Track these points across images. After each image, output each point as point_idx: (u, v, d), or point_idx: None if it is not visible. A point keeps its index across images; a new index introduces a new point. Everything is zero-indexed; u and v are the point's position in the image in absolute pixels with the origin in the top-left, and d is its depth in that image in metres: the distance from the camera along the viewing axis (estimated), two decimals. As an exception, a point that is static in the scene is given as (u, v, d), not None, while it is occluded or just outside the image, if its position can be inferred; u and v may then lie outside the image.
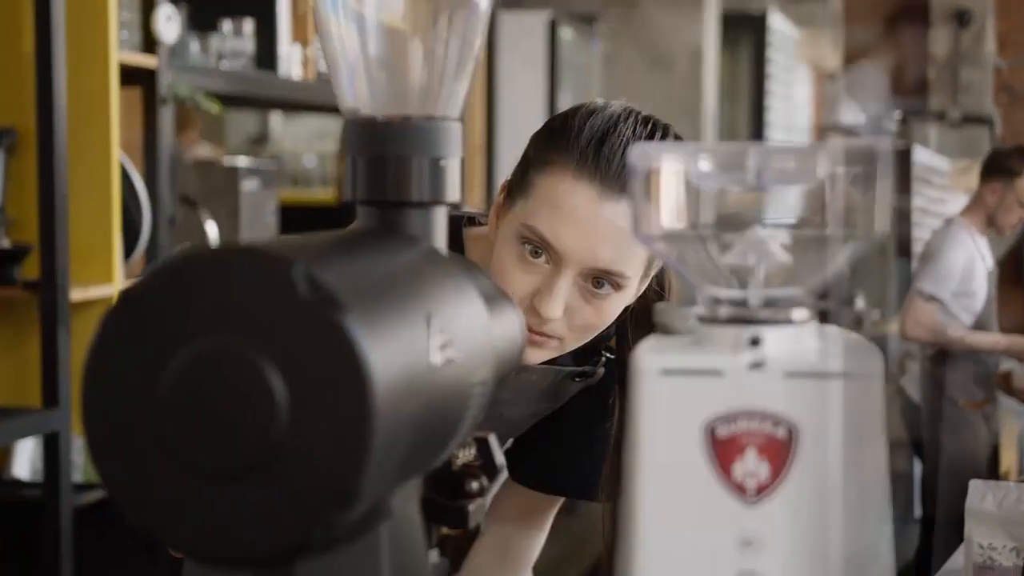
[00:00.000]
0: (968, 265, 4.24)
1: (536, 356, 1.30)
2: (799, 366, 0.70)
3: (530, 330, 1.26)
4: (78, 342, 2.41)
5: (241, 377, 0.62)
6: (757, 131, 7.49)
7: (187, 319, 0.63)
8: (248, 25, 3.01)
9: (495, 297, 0.87)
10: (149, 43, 2.65)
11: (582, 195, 1.23)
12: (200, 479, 0.63)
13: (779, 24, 7.62)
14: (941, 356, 4.31)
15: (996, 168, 4.28)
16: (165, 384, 0.63)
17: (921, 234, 7.42)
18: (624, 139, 1.25)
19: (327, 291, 0.62)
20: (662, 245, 0.74)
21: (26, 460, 2.62)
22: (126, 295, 0.64)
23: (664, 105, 5.52)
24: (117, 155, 2.50)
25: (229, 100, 3.16)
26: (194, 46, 2.93)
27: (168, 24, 2.62)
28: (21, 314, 2.49)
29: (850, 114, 5.17)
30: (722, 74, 6.63)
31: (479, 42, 0.86)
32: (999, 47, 9.95)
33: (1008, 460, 4.59)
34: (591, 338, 1.31)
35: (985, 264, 4.29)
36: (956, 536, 4.45)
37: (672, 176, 0.73)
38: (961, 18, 9.52)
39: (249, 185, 2.89)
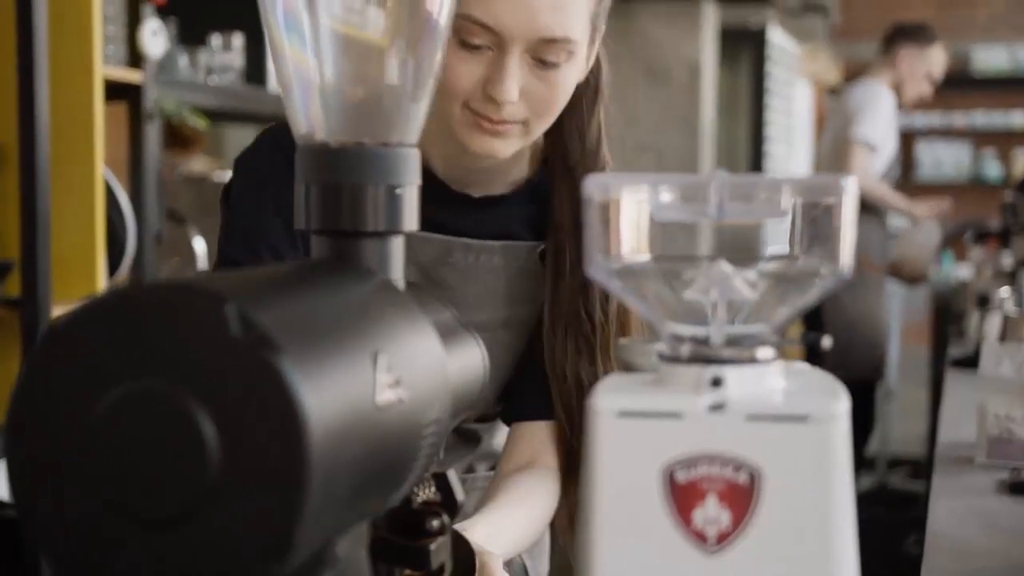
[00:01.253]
0: (890, 120, 4.40)
1: (504, 147, 1.26)
2: (761, 408, 0.67)
3: (490, 120, 1.23)
4: (59, 361, 2.37)
5: (171, 420, 0.59)
6: (756, 145, 7.46)
7: (116, 357, 0.60)
8: (237, 39, 2.99)
9: (454, 329, 0.84)
10: (136, 58, 2.63)
11: None
12: (127, 526, 0.60)
13: (779, 39, 7.60)
14: None
15: (909, 37, 4.46)
16: (92, 426, 0.60)
17: (771, 117, 7.47)
18: None
19: (261, 330, 0.59)
20: (620, 280, 0.71)
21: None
22: (54, 330, 0.61)
23: (662, 119, 5.50)
24: (101, 170, 2.47)
25: (217, 115, 3.13)
26: (182, 60, 2.90)
27: (154, 39, 2.60)
28: (2, 332, 2.46)
29: None
30: (721, 88, 6.61)
31: (437, 62, 0.83)
32: None
33: None
34: (555, 117, 1.27)
35: (894, 127, 4.48)
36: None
37: (631, 208, 0.70)
38: None
39: (239, 200, 2.85)
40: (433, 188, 1.32)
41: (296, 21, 0.80)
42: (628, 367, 0.75)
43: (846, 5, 10.12)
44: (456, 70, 1.20)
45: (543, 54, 1.21)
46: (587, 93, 1.34)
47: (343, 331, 0.66)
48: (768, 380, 0.69)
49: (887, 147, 4.48)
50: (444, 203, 1.36)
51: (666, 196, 0.70)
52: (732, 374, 0.68)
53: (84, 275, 2.47)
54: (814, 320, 4.39)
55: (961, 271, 8.52)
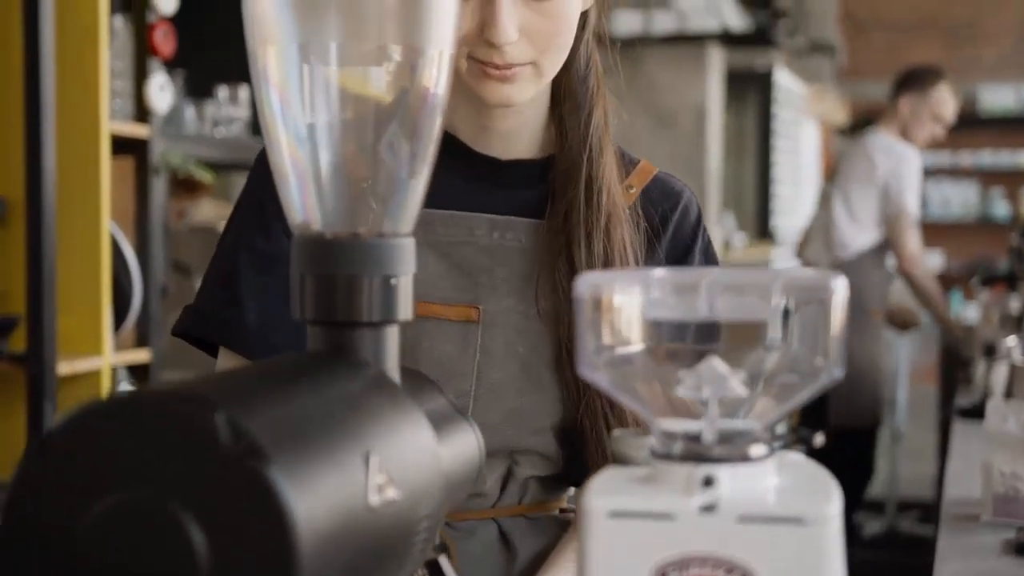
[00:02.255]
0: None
1: (518, 92, 1.18)
2: (754, 509, 0.66)
3: (496, 66, 1.16)
4: (64, 417, 2.38)
5: (161, 530, 0.59)
6: (763, 186, 7.48)
7: (107, 466, 0.60)
8: (244, 92, 3.01)
9: (448, 416, 0.84)
10: (142, 112, 2.64)
11: None
12: (118, 636, 0.60)
13: (785, 80, 7.63)
14: (856, 265, 4.41)
15: (910, 82, 4.52)
16: (82, 535, 0.60)
17: (778, 158, 7.47)
18: None
19: (250, 439, 0.59)
20: (610, 376, 0.71)
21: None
22: (46, 439, 0.61)
23: (669, 163, 5.51)
24: (107, 226, 2.48)
25: (224, 167, 3.15)
26: (189, 112, 2.92)
27: (161, 94, 2.61)
28: (8, 388, 2.46)
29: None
30: (728, 130, 6.63)
31: (431, 152, 0.84)
32: None
33: None
34: (566, 53, 1.19)
35: None
36: (845, 446, 4.41)
37: (621, 305, 0.70)
38: None
39: (245, 251, 2.86)
40: (458, 152, 1.27)
41: (292, 113, 0.80)
42: (621, 459, 0.75)
43: (853, 45, 10.16)
44: None
45: None
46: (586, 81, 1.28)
47: (334, 432, 0.67)
48: (761, 478, 0.69)
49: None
50: (470, 168, 1.27)
51: (657, 293, 0.70)
52: (724, 473, 0.68)
53: (89, 330, 2.47)
54: None
55: (969, 312, 8.51)
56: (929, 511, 5.28)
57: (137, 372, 2.71)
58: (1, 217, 2.43)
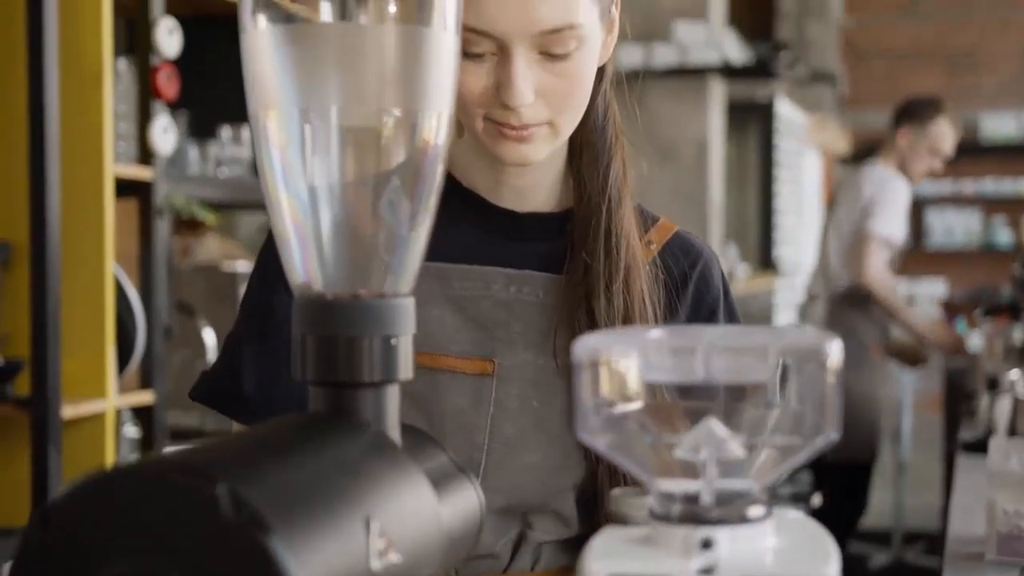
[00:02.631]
0: (905, 210, 4.45)
1: (535, 151, 1.17)
2: (752, 571, 0.67)
3: (512, 127, 1.14)
4: (69, 461, 2.39)
5: (163, 601, 0.59)
6: (766, 217, 7.49)
7: (109, 537, 0.61)
8: (246, 131, 3.02)
9: (449, 474, 0.84)
10: (146, 154, 2.66)
11: None
12: None
13: (786, 110, 7.65)
14: (853, 298, 4.39)
15: (908, 114, 4.48)
16: (86, 606, 0.61)
17: (781, 188, 7.47)
18: None
19: (251, 510, 0.60)
20: (608, 438, 0.71)
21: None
22: (49, 510, 0.62)
23: (671, 196, 5.53)
24: (111, 268, 2.49)
25: (227, 206, 3.16)
26: (192, 153, 2.93)
27: (164, 136, 2.63)
28: (12, 431, 2.47)
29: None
30: (730, 161, 6.64)
31: (431, 210, 0.84)
32: (845, 4, 10.01)
33: None
34: (582, 111, 1.18)
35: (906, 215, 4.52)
36: (841, 478, 4.37)
37: (619, 367, 0.71)
38: None
39: (249, 289, 2.87)
40: (474, 206, 1.26)
41: (292, 175, 0.81)
42: (620, 518, 0.76)
43: (854, 75, 10.20)
44: (465, 84, 1.13)
45: (549, 47, 1.13)
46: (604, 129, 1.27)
47: (335, 498, 0.67)
48: (759, 540, 0.69)
49: (901, 237, 4.54)
50: (487, 221, 1.26)
51: (654, 356, 0.71)
52: (723, 535, 0.68)
53: (94, 374, 2.48)
54: None
55: (973, 339, 8.48)
56: (935, 542, 5.26)
57: (141, 414, 2.72)
58: (5, 261, 2.44)
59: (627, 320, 1.19)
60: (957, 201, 10.24)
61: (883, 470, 7.04)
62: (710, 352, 0.70)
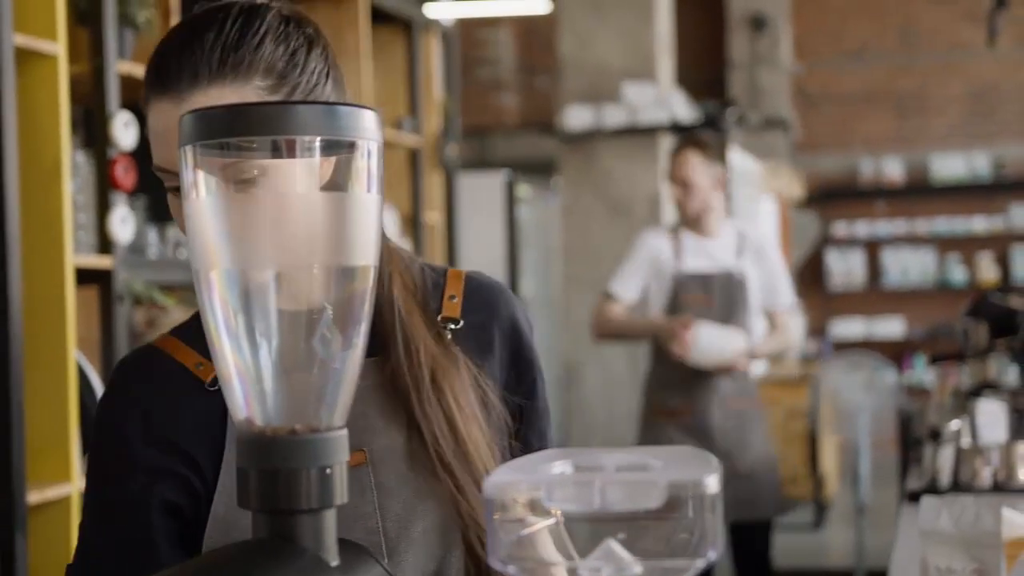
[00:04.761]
0: (643, 262, 4.19)
1: None
2: None
3: None
4: (36, 547, 2.44)
5: None
6: (723, 264, 7.59)
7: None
8: (204, 213, 3.11)
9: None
10: (105, 243, 2.73)
11: (162, 111, 1.18)
12: None
13: (739, 160, 7.79)
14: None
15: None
16: None
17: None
18: (193, 26, 1.19)
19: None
20: (517, 564, 0.80)
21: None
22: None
23: (624, 250, 5.64)
24: (73, 355, 2.56)
25: (189, 287, 3.24)
26: (152, 236, 3.01)
27: (123, 225, 2.71)
28: (-22, 518, 2.52)
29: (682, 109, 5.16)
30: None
31: (360, 351, 0.93)
32: (795, 51, 10.22)
33: None
34: None
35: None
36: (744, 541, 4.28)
37: (525, 501, 0.80)
38: (757, 23, 9.77)
39: (209, 366, 2.94)
40: None
41: (233, 326, 0.90)
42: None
43: (806, 120, 10.39)
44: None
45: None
46: None
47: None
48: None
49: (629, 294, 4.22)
50: None
51: (558, 490, 0.80)
52: (621, 647, 0.77)
53: (57, 458, 2.54)
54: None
55: (928, 377, 8.62)
56: (896, 583, 5.34)
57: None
58: (-30, 351, 2.50)
59: (449, 417, 1.25)
60: (912, 241, 10.42)
61: (843, 510, 7.15)
62: (606, 484, 0.79)
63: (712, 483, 0.78)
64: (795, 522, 6.87)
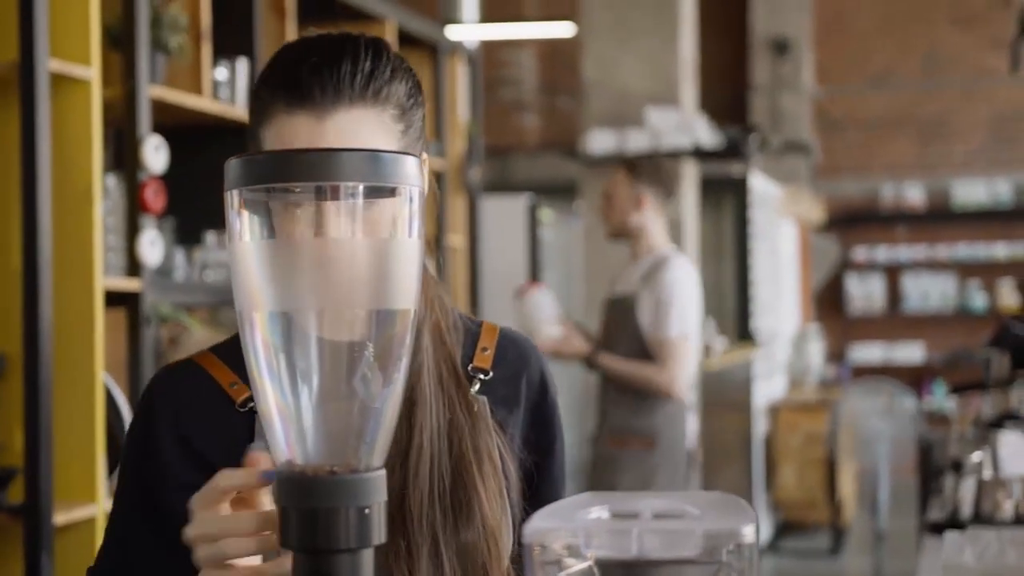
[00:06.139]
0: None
1: None
2: None
3: None
4: (61, 567, 2.46)
5: None
6: (742, 288, 7.60)
7: None
8: (231, 236, 3.13)
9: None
10: (134, 265, 2.76)
11: (300, 125, 1.19)
12: None
13: (760, 184, 7.80)
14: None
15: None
16: None
17: (756, 260, 7.54)
18: (326, 47, 1.21)
19: None
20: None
21: None
22: None
23: (647, 274, 5.65)
24: (101, 377, 2.58)
25: (214, 307, 3.27)
26: (179, 258, 3.04)
27: (152, 248, 2.73)
28: (5, 538, 2.55)
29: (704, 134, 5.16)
30: (705, 235, 6.77)
31: (398, 392, 0.94)
32: (817, 76, 10.21)
33: None
34: None
35: None
36: None
37: (563, 548, 0.81)
38: (780, 47, 9.76)
39: (233, 387, 2.96)
40: None
41: (276, 368, 0.92)
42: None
43: (827, 144, 10.38)
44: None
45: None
46: None
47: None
48: None
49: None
50: None
51: (595, 537, 0.81)
52: None
53: (84, 480, 2.56)
54: None
55: (949, 404, 8.58)
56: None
57: (130, 515, 2.80)
58: (1, 372, 2.53)
59: (406, 449, 1.25)
60: (932, 266, 10.39)
61: (860, 536, 7.12)
62: (643, 532, 0.80)
63: (749, 533, 0.79)
64: (813, 548, 6.85)
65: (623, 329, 3.97)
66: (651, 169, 4.08)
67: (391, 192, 0.91)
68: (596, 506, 0.85)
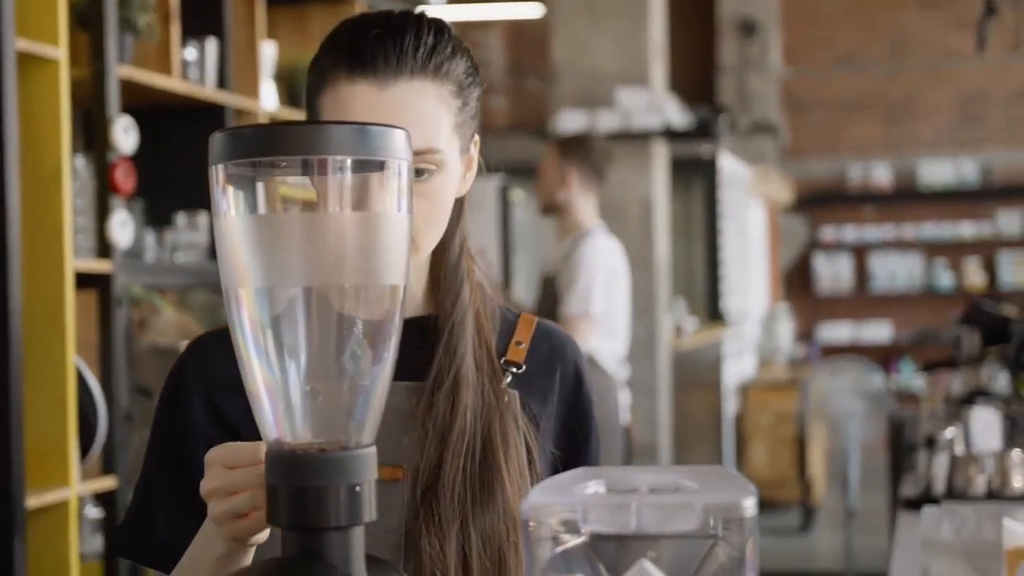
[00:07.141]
0: None
1: None
2: None
3: None
4: (34, 551, 2.44)
5: None
6: (712, 268, 7.63)
7: None
8: (202, 218, 3.11)
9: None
10: (104, 247, 2.73)
11: (361, 93, 1.20)
12: None
13: (729, 164, 7.81)
14: None
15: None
16: None
17: (726, 240, 7.58)
18: (389, 21, 1.23)
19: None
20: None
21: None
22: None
23: (618, 255, 5.65)
24: (72, 360, 2.55)
25: (185, 289, 3.24)
26: (150, 240, 3.01)
27: (122, 230, 2.70)
28: (-24, 523, 2.52)
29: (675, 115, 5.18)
30: (675, 216, 6.78)
31: (388, 369, 0.93)
32: (784, 57, 10.26)
33: None
34: (442, 231, 1.26)
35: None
36: None
37: (561, 523, 0.80)
38: (747, 28, 9.80)
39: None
40: None
41: (263, 345, 0.90)
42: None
43: (795, 125, 10.41)
44: None
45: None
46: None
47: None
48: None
49: None
50: None
51: (593, 512, 0.80)
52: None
53: (56, 463, 2.54)
54: None
55: (917, 382, 8.64)
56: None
57: (104, 499, 2.78)
58: (-30, 356, 2.49)
59: (447, 426, 1.25)
60: (899, 246, 10.45)
61: (830, 514, 7.17)
62: (642, 506, 0.79)
63: (749, 506, 0.78)
64: (784, 526, 6.89)
65: (548, 307, 4.01)
66: (579, 148, 4.13)
67: (379, 166, 0.90)
68: (592, 480, 0.84)
